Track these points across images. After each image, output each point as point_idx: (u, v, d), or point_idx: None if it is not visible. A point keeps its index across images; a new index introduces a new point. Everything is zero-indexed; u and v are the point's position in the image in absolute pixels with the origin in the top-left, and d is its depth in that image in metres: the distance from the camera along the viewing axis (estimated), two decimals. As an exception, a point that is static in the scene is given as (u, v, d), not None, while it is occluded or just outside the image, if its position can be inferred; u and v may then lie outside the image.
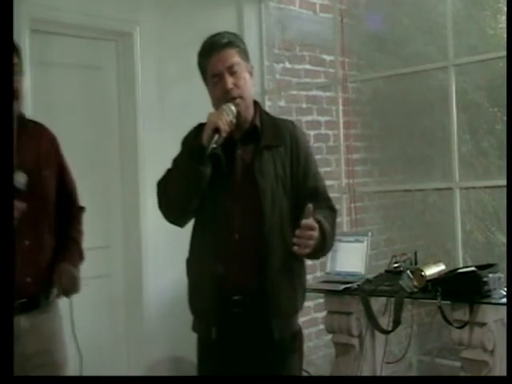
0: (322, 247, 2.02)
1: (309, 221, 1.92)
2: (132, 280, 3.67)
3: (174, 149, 4.02)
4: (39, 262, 2.10)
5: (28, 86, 3.15)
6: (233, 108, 2.02)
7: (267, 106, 4.27)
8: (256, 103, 2.18)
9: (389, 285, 3.17)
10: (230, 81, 2.05)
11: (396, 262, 3.35)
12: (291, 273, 2.07)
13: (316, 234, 1.93)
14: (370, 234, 3.45)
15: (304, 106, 4.52)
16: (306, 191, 2.10)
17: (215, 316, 2.04)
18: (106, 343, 3.57)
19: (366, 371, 3.30)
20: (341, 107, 4.05)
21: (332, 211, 2.14)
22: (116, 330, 3.63)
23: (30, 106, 3.15)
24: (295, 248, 1.92)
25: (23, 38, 3.12)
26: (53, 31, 3.36)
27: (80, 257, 2.27)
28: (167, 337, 3.66)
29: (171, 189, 2.07)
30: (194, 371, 3.37)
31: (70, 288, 2.13)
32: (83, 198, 3.46)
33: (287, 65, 4.46)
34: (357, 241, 3.44)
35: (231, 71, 2.06)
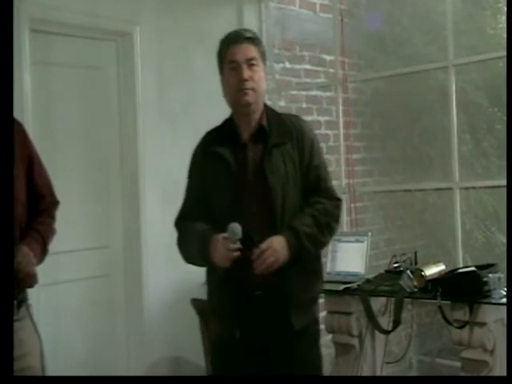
0: (301, 250, 2.08)
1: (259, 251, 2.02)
2: (132, 280, 3.67)
3: (174, 148, 4.04)
4: None
5: (28, 86, 3.15)
6: (239, 229, 2.01)
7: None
8: (263, 104, 2.23)
9: (389, 285, 3.17)
10: (246, 72, 2.11)
11: (396, 262, 3.35)
12: (304, 265, 2.13)
13: (272, 252, 2.01)
14: (369, 233, 3.44)
15: (304, 105, 4.52)
16: (309, 183, 2.16)
17: (239, 314, 2.10)
18: (105, 343, 3.57)
19: (365, 371, 3.30)
20: (341, 107, 4.04)
21: (332, 200, 2.18)
22: (116, 330, 3.63)
23: (30, 105, 3.15)
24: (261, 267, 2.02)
25: (23, 37, 3.13)
26: (53, 31, 3.35)
27: (40, 246, 2.14)
28: (167, 337, 3.66)
29: (188, 251, 2.20)
30: (194, 371, 3.38)
31: (24, 266, 2.03)
32: (83, 197, 3.49)
33: (287, 65, 4.46)
34: (357, 241, 3.44)
35: (249, 64, 2.12)
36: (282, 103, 4.37)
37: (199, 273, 3.73)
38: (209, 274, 2.22)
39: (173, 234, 3.74)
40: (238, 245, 2.00)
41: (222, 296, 2.12)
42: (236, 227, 2.00)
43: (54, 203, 2.29)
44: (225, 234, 2.01)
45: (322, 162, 2.23)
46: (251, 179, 2.10)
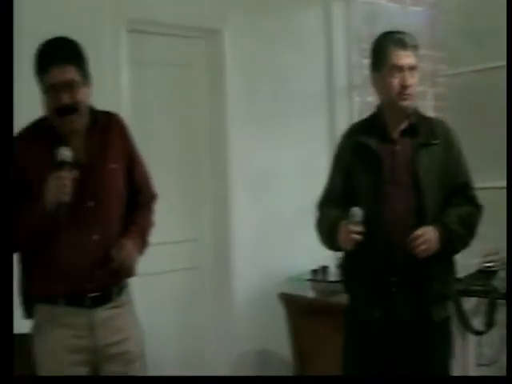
0: (451, 244, 2.18)
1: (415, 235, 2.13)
2: (220, 273, 3.73)
3: (262, 146, 4.05)
4: (108, 256, 2.05)
5: (126, 84, 3.27)
6: (359, 213, 2.11)
7: (355, 101, 4.24)
8: None
9: (481, 285, 3.08)
10: (409, 79, 2.21)
11: (489, 262, 3.24)
12: (445, 261, 2.23)
13: (424, 240, 2.11)
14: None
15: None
16: (456, 187, 2.26)
17: (377, 296, 2.19)
18: (193, 335, 3.63)
19: (456, 372, 3.21)
20: (431, 102, 3.95)
21: (476, 207, 2.28)
22: (204, 322, 3.69)
23: (128, 104, 3.26)
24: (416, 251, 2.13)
25: (121, 38, 3.25)
26: (147, 31, 3.44)
27: (141, 240, 2.19)
28: (255, 329, 3.68)
29: (320, 235, 2.33)
30: (280, 363, 3.37)
31: (127, 261, 2.07)
32: (172, 194, 3.55)
33: (375, 60, 4.40)
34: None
35: (411, 72, 2.22)
36: (370, 98, 4.31)
37: (286, 267, 3.77)
38: (347, 256, 2.33)
39: (261, 230, 3.79)
40: (361, 228, 2.09)
41: (361, 278, 2.22)
42: (356, 211, 2.10)
43: (154, 196, 2.34)
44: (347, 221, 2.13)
45: (468, 168, 2.31)
46: (400, 174, 2.20)
